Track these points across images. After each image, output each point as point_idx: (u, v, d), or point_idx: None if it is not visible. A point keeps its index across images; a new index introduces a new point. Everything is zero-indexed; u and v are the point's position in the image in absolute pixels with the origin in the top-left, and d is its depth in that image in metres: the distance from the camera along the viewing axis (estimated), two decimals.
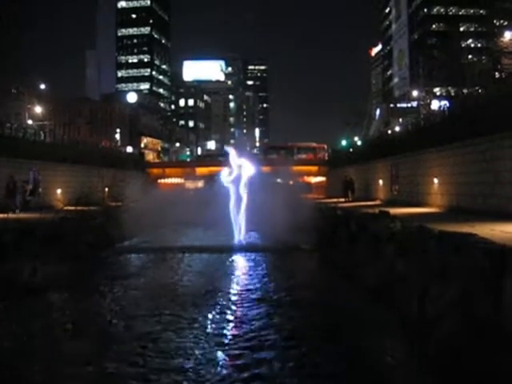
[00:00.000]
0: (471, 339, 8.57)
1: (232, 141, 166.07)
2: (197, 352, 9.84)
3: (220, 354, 9.77)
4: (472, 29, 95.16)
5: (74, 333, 11.63)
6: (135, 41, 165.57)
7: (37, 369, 9.50)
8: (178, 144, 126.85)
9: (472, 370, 8.14)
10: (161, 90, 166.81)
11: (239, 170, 26.51)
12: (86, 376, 8.97)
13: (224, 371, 8.96)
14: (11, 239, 16.87)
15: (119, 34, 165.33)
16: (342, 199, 35.48)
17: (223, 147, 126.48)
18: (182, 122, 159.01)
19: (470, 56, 60.67)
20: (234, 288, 16.36)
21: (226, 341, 10.61)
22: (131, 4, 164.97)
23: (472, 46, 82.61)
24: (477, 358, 8.16)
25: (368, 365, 9.39)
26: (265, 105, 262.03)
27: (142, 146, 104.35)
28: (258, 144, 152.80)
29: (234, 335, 11.05)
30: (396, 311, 11.97)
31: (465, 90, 45.32)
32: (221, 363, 9.40)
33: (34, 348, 10.59)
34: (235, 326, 11.80)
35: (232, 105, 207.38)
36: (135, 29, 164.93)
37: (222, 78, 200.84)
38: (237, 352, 9.82)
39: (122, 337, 11.10)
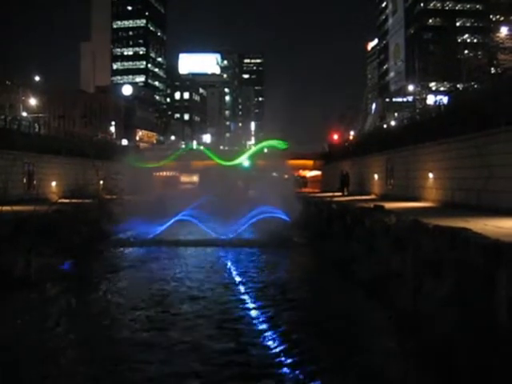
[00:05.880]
0: (465, 334, 8.60)
1: (227, 134, 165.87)
2: None
3: None
4: (468, 24, 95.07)
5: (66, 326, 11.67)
6: (131, 33, 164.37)
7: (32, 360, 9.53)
8: (173, 137, 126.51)
9: (466, 365, 8.17)
10: (156, 83, 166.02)
11: None
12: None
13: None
14: (5, 232, 16.76)
15: (115, 26, 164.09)
16: (338, 193, 35.44)
17: (218, 140, 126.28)
18: (177, 115, 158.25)
19: (466, 51, 60.41)
20: (225, 281, 16.43)
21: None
22: None
23: (468, 40, 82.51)
24: (471, 353, 8.19)
25: (360, 361, 9.38)
26: (260, 98, 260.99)
27: (137, 138, 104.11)
28: (253, 137, 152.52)
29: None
30: (390, 306, 11.99)
31: (461, 85, 45.38)
32: None
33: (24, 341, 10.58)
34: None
35: (227, 98, 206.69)
36: (131, 21, 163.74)
37: (217, 71, 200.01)
38: None
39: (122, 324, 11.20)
